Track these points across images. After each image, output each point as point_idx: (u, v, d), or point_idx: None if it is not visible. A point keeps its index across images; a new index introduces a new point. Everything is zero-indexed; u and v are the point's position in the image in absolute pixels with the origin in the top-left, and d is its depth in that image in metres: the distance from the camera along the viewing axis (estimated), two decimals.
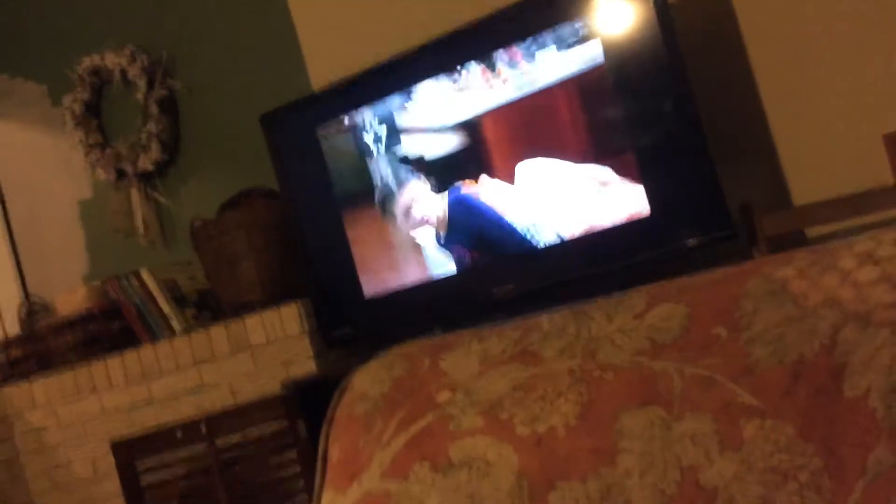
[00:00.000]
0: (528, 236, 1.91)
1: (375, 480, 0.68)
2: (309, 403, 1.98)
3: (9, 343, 2.53)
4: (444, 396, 0.70)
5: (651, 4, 1.74)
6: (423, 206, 2.03)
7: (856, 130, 1.89)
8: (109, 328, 2.40)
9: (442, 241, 2.02)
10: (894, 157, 1.76)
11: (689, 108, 1.74)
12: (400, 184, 2.05)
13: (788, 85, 1.96)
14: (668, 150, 1.77)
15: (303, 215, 2.17)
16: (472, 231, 1.98)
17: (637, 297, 0.70)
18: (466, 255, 1.99)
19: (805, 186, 1.97)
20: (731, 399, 0.59)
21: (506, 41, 1.89)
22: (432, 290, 2.03)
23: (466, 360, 0.73)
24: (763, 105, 1.98)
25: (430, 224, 2.03)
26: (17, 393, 2.44)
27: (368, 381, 0.75)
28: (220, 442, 2.02)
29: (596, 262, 1.83)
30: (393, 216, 2.07)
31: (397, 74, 2.04)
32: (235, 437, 2.02)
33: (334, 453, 0.72)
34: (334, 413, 0.74)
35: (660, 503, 0.58)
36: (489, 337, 0.74)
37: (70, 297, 2.50)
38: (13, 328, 2.80)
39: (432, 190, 2.01)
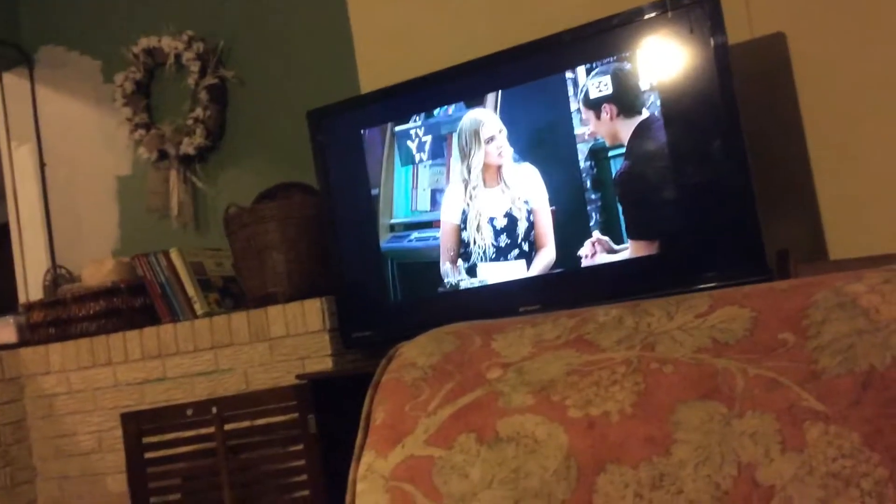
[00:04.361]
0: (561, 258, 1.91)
1: (419, 445, 0.67)
2: (321, 400, 1.96)
3: (31, 307, 2.53)
4: (494, 373, 0.70)
5: (710, 46, 1.75)
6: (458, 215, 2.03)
7: None
8: (132, 303, 2.40)
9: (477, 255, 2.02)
10: None
11: (738, 150, 1.74)
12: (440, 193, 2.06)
13: (837, 139, 1.96)
14: (711, 188, 1.77)
15: (337, 214, 2.18)
16: (506, 245, 1.98)
17: (699, 299, 0.70)
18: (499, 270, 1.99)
19: (842, 241, 1.96)
20: (796, 402, 0.58)
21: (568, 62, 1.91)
22: (459, 300, 2.02)
23: (519, 342, 0.72)
24: (809, 156, 1.98)
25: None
26: (32, 356, 2.45)
27: (418, 352, 0.74)
28: (229, 427, 2.01)
29: (621, 292, 1.82)
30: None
31: (450, 87, 2.05)
32: (244, 424, 2.01)
33: (378, 416, 0.71)
34: (380, 378, 0.74)
35: (713, 496, 0.57)
36: (543, 323, 0.74)
37: (97, 268, 2.51)
38: (37, 294, 2.82)
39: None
